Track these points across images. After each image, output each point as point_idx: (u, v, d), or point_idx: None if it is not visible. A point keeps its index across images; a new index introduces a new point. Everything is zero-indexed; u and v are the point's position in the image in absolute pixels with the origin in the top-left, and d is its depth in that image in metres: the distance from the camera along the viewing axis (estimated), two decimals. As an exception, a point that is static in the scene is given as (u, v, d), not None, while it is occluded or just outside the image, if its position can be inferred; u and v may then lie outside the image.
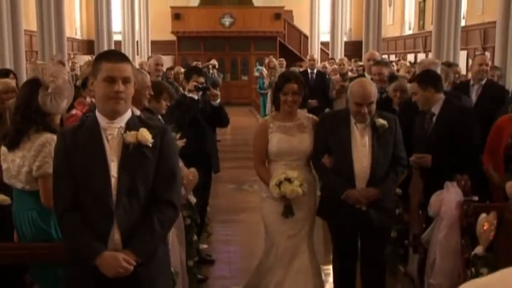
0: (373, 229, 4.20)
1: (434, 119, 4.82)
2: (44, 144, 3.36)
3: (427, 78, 4.91)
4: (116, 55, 2.90)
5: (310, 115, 4.54)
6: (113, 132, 2.81)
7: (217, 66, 16.54)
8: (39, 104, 3.41)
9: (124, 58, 2.88)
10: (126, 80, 2.78)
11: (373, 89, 4.15)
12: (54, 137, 3.17)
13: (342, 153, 4.18)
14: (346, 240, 4.34)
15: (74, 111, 5.20)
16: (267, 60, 13.04)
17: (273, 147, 4.29)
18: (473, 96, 6.48)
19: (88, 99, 5.77)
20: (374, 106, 4.14)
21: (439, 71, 5.59)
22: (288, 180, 4.09)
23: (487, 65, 6.77)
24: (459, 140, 4.66)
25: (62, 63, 9.46)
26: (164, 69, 8.83)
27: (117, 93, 2.75)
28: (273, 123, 4.34)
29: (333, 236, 4.48)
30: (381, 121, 4.14)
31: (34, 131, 3.40)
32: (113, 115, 2.81)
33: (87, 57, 16.06)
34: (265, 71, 15.49)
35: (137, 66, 7.77)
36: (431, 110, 4.82)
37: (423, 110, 4.92)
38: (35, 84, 3.46)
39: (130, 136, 2.79)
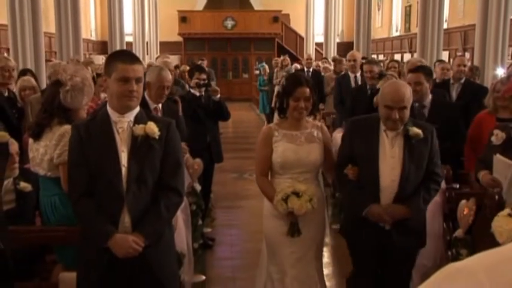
0: (396, 253, 3.46)
1: (425, 111, 4.75)
2: (64, 135, 3.40)
3: (430, 71, 4.85)
4: (129, 56, 2.90)
5: (319, 123, 3.81)
6: (123, 125, 2.83)
7: (206, 64, 16.30)
8: (61, 100, 3.47)
9: (136, 59, 2.89)
10: (138, 80, 2.80)
11: (407, 92, 3.35)
12: None
13: (367, 165, 3.38)
14: (366, 264, 3.55)
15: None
16: (281, 58, 13.11)
17: (277, 158, 3.51)
18: (454, 94, 6.65)
19: (102, 96, 5.76)
20: (407, 112, 3.35)
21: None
22: (296, 194, 3.33)
23: (464, 65, 6.97)
24: (449, 131, 4.57)
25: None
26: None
27: (131, 92, 2.77)
28: (278, 131, 3.57)
29: (353, 257, 3.71)
30: (415, 130, 3.35)
31: (56, 123, 3.47)
32: (124, 110, 2.83)
33: (102, 57, 16.03)
34: (267, 69, 15.44)
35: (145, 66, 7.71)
36: (423, 102, 4.75)
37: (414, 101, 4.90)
38: (56, 85, 3.54)
39: (139, 129, 2.80)
